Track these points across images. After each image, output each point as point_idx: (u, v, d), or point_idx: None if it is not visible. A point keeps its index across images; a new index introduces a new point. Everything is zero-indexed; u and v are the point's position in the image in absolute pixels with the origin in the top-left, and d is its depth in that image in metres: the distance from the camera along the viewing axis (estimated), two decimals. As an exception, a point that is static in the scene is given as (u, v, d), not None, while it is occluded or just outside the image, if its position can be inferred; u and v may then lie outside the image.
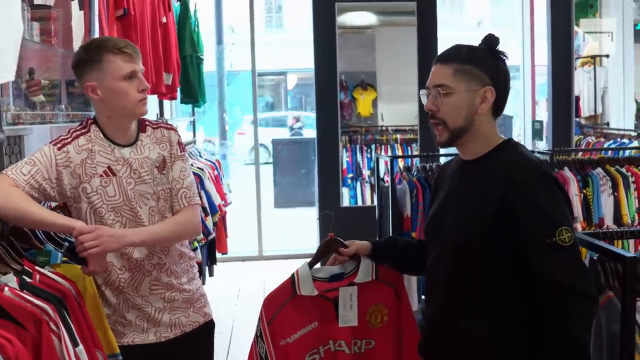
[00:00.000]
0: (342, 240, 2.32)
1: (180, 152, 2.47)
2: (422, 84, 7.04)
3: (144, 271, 2.38)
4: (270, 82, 21.53)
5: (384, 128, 8.06)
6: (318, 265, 2.36)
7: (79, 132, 2.37)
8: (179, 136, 2.51)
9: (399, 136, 8.04)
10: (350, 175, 7.95)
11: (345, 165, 7.73)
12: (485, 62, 2.02)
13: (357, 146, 8.01)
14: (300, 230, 9.22)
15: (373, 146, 8.04)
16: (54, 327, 1.89)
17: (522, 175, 1.95)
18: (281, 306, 2.27)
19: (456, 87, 2.01)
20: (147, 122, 2.48)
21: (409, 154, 7.82)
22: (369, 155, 8.02)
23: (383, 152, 7.91)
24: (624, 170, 5.00)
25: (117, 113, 2.36)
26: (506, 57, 2.06)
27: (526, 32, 8.07)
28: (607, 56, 8.38)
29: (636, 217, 4.92)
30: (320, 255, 2.33)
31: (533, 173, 1.96)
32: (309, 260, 2.35)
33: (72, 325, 1.98)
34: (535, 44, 8.08)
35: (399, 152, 7.94)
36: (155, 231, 2.35)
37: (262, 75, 18.56)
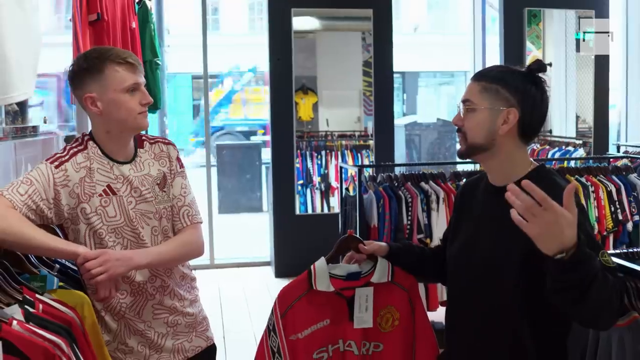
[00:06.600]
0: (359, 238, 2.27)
1: (180, 168, 2.35)
2: (378, 90, 7.05)
3: (146, 295, 2.25)
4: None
5: (328, 133, 8.01)
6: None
7: (75, 150, 2.21)
8: (178, 151, 2.38)
9: (343, 142, 7.99)
10: (301, 181, 7.84)
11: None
12: (514, 83, 1.96)
13: (307, 152, 7.91)
14: (249, 237, 9.06)
15: (323, 152, 7.97)
16: (66, 362, 1.75)
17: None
18: (295, 300, 2.21)
19: (480, 104, 1.98)
20: (143, 137, 2.35)
21: (360, 161, 7.78)
22: (319, 162, 7.94)
23: (334, 159, 7.85)
24: (583, 179, 5.07)
25: (116, 127, 2.21)
26: (545, 82, 2.00)
27: (477, 38, 8.14)
28: (550, 64, 8.54)
29: (596, 226, 4.99)
30: (339, 252, 2.27)
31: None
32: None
33: (81, 359, 1.85)
34: (486, 50, 8.17)
35: (350, 159, 7.88)
36: (160, 252, 2.21)
37: (197, 78, 18.26)
